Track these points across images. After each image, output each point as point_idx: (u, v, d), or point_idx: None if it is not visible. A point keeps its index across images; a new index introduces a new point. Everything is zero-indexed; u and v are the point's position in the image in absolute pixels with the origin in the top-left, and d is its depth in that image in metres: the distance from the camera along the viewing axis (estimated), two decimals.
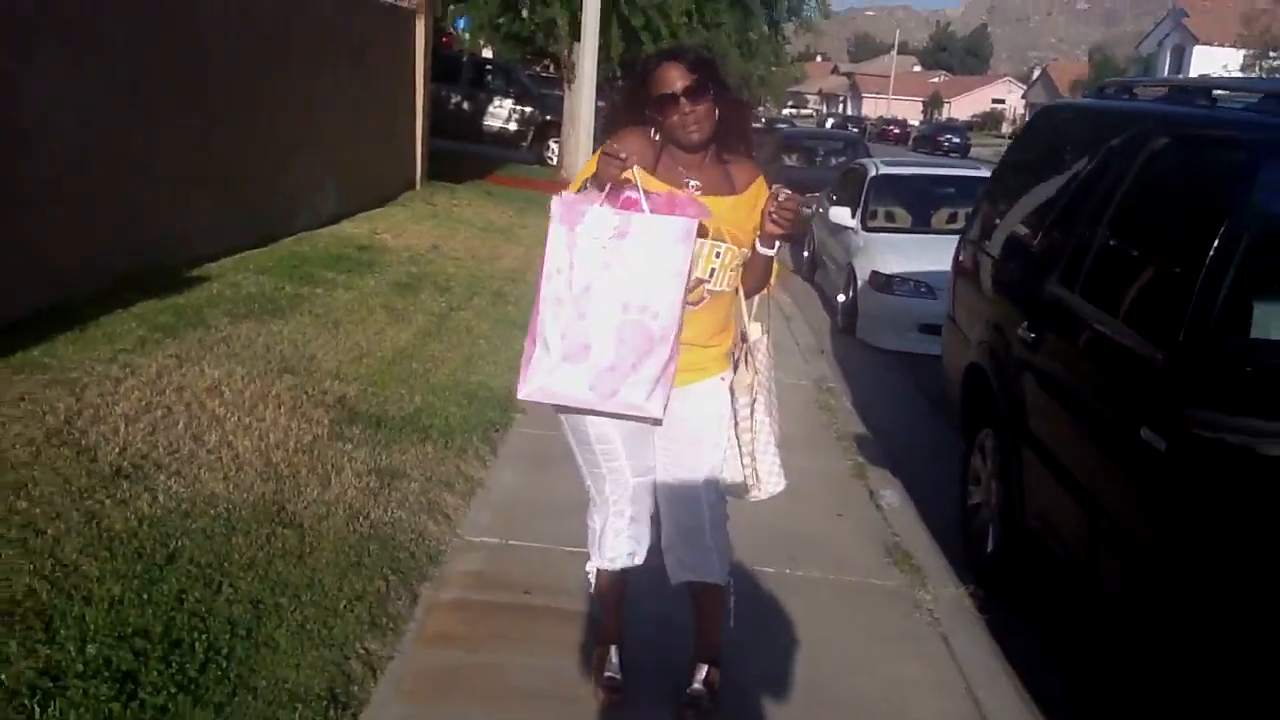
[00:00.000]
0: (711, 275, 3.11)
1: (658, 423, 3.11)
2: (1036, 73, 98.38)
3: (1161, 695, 3.23)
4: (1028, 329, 4.58)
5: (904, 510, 5.55)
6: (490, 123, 24.48)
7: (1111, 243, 4.29)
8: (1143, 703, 3.38)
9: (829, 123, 70.56)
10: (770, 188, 3.14)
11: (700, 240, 3.00)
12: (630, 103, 3.26)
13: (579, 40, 16.78)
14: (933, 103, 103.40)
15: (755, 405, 3.29)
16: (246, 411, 5.39)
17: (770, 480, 3.36)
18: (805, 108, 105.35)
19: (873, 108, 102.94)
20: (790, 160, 19.74)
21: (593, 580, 3.58)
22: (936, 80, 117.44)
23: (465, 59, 24.48)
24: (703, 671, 3.51)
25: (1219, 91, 4.34)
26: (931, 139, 56.28)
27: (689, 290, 3.01)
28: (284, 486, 4.65)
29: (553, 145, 23.22)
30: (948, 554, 5.10)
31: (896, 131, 66.17)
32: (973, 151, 48.57)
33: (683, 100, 3.03)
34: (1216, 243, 3.37)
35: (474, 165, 19.08)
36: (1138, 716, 3.47)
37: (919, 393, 8.30)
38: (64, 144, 6.91)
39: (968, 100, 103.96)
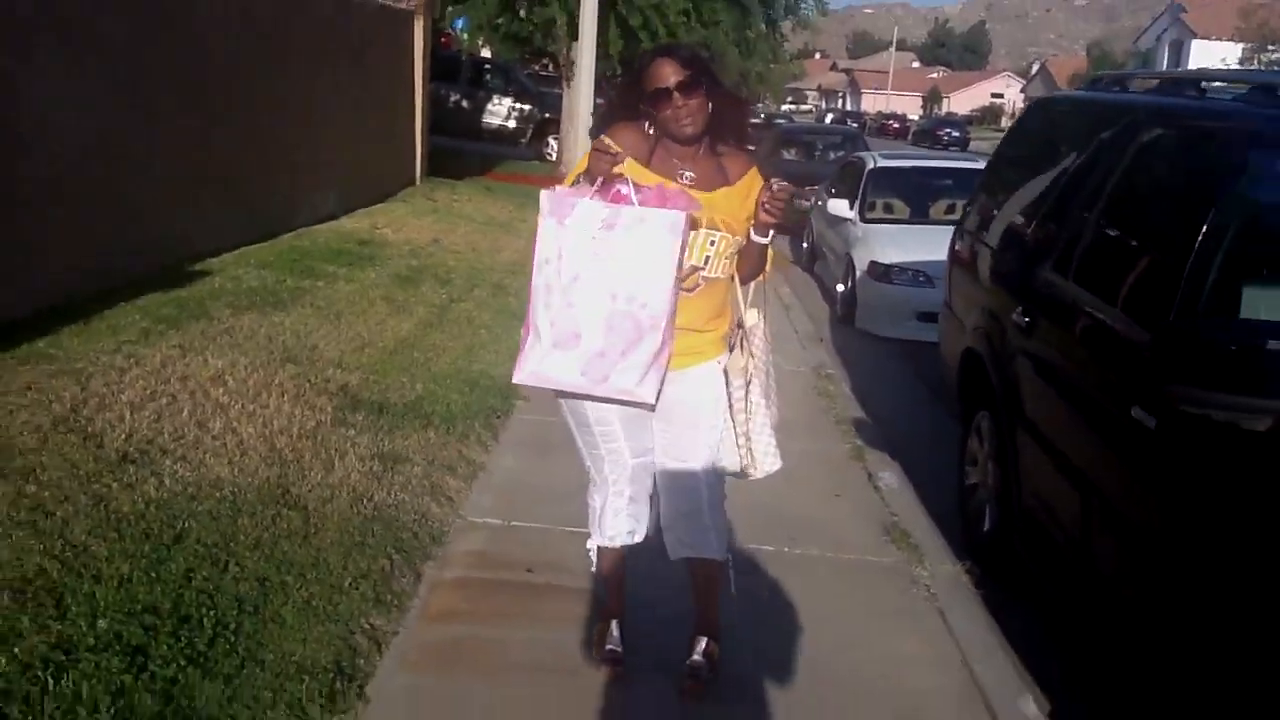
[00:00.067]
0: (706, 262, 3.19)
1: (651, 408, 3.19)
2: (1035, 68, 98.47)
3: (1156, 671, 3.28)
4: (1022, 314, 4.64)
5: (902, 491, 5.62)
6: (489, 120, 24.61)
7: (1104, 230, 4.35)
8: (1137, 678, 3.44)
9: (828, 118, 70.64)
10: (764, 179, 3.21)
11: (695, 229, 3.08)
12: (625, 97, 3.34)
13: (577, 40, 16.84)
14: (932, 98, 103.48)
15: (750, 388, 3.35)
16: (250, 399, 5.46)
17: (766, 460, 3.43)
18: (804, 104, 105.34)
19: (872, 103, 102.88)
20: (789, 154, 19.85)
21: (594, 558, 3.65)
22: (935, 76, 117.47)
23: (464, 58, 24.56)
24: (702, 644, 3.57)
25: (1209, 83, 4.40)
26: (931, 133, 56.32)
27: (684, 277, 3.09)
28: (288, 470, 4.72)
29: (552, 142, 23.31)
30: (945, 533, 5.16)
31: (896, 126, 66.18)
32: (972, 145, 48.57)
33: (676, 95, 3.10)
34: (1205, 228, 3.42)
35: (473, 162, 19.16)
36: (1132, 690, 3.53)
37: (917, 379, 8.37)
38: (64, 144, 6.97)
39: (967, 95, 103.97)
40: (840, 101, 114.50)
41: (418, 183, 15.40)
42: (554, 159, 22.22)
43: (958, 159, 16.51)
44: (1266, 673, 2.70)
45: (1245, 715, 2.80)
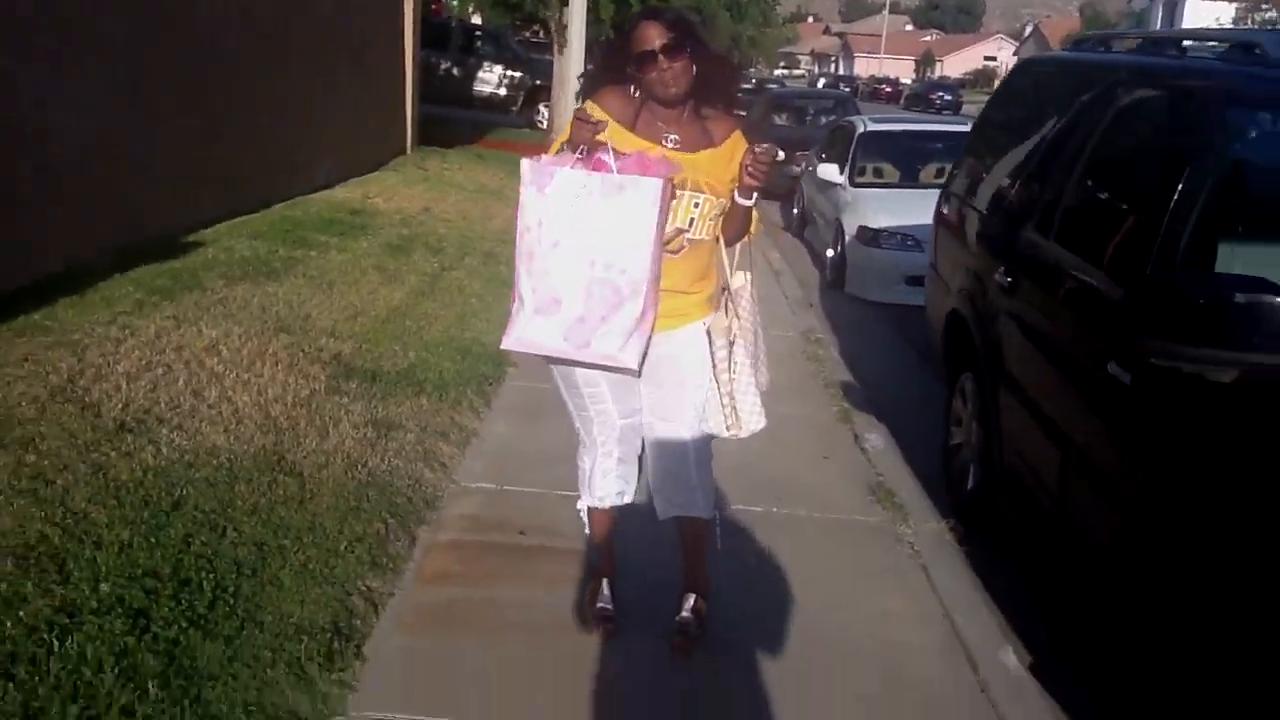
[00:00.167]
0: (691, 225, 3.25)
1: (635, 374, 3.27)
2: (1029, 30, 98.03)
3: (1135, 623, 3.37)
4: (1004, 274, 4.72)
5: (888, 453, 5.71)
6: (480, 88, 24.56)
7: (1085, 189, 4.42)
8: (1117, 632, 3.53)
9: (821, 82, 70.34)
10: (748, 141, 3.27)
11: (680, 191, 3.15)
12: (611, 60, 3.40)
13: (568, 5, 16.79)
14: (925, 61, 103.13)
15: (734, 348, 3.42)
16: (245, 368, 5.53)
17: (751, 420, 3.49)
18: (797, 68, 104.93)
19: (865, 67, 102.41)
20: (780, 119, 19.83)
21: (584, 519, 3.73)
22: (929, 39, 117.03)
23: (455, 25, 24.48)
24: (690, 600, 3.67)
25: (1189, 42, 4.45)
26: (924, 97, 56.18)
27: (669, 239, 3.16)
28: (283, 438, 4.79)
29: (543, 109, 23.29)
30: (930, 493, 5.26)
31: (889, 90, 66.00)
32: (965, 109, 48.44)
33: (660, 57, 3.15)
34: (1180, 185, 3.49)
35: (464, 130, 19.14)
36: (1112, 643, 3.62)
37: (905, 343, 8.44)
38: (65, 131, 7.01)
39: (960, 58, 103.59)
40: (833, 66, 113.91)
41: (409, 151, 15.40)
42: (545, 126, 22.20)
43: (947, 122, 16.52)
44: (1243, 623, 2.79)
45: (1224, 667, 2.89)
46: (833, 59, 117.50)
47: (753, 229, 3.46)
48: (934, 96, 55.29)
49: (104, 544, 3.65)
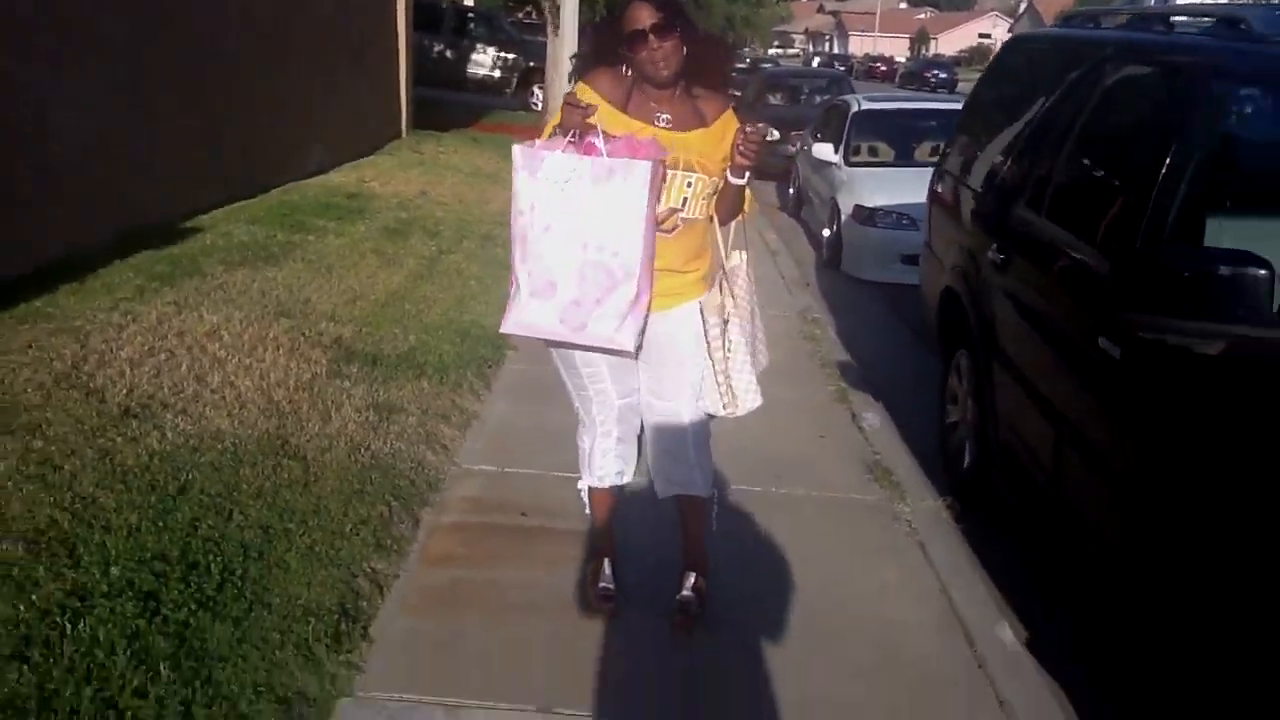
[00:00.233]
0: (684, 204, 3.29)
1: (632, 355, 3.32)
2: (1023, 6, 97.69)
3: (1129, 597, 3.43)
4: (996, 251, 4.76)
5: (885, 431, 5.76)
6: (474, 70, 24.53)
7: (1074, 166, 4.46)
8: (1112, 607, 3.59)
9: (815, 61, 70.20)
10: (740, 121, 3.31)
11: (672, 171, 3.19)
12: (603, 40, 3.43)
13: None
14: (919, 39, 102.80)
15: (729, 326, 3.45)
16: (246, 353, 5.57)
17: (747, 398, 3.53)
18: (791, 47, 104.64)
19: (859, 46, 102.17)
20: (775, 99, 19.83)
21: (585, 499, 3.79)
22: (923, 16, 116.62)
23: (447, 7, 24.43)
24: (691, 579, 3.73)
25: (1177, 18, 4.48)
26: (919, 75, 56.11)
27: (663, 219, 3.21)
28: (286, 422, 4.84)
29: (537, 91, 23.21)
30: (927, 471, 5.32)
31: (883, 69, 65.90)
32: (960, 87, 48.39)
33: (651, 37, 3.18)
34: (1168, 161, 3.53)
35: (459, 113, 19.14)
36: (1107, 618, 3.68)
37: (901, 322, 8.49)
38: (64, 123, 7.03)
39: (955, 35, 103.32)
40: (827, 44, 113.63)
41: (404, 135, 15.41)
42: (539, 108, 22.16)
43: (941, 100, 16.55)
44: (1235, 596, 2.84)
45: (1213, 639, 2.94)
46: (827, 37, 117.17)
47: (746, 208, 3.50)
48: (929, 75, 55.22)
49: (113, 528, 3.71)
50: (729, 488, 4.63)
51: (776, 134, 14.50)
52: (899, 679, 3.51)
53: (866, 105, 12.27)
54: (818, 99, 18.92)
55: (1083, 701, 3.58)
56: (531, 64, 23.68)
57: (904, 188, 9.68)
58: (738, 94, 19.51)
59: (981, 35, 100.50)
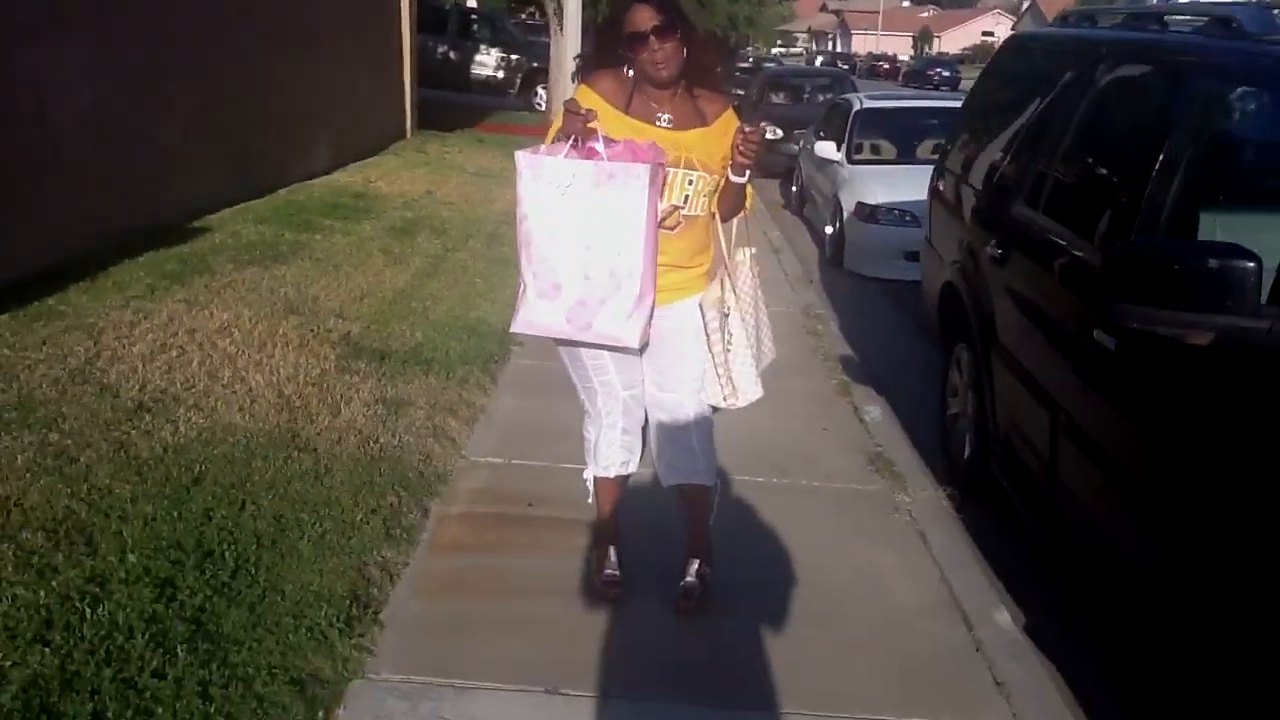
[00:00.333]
0: (686, 201, 3.37)
1: (637, 353, 3.40)
2: (1026, 4, 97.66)
3: (1127, 587, 3.50)
4: (995, 247, 4.84)
5: (886, 424, 5.84)
6: (478, 71, 24.65)
7: (1071, 162, 4.54)
8: (1110, 596, 3.66)
9: (818, 60, 70.23)
10: (740, 120, 3.39)
11: (674, 169, 3.27)
12: (604, 43, 3.51)
13: None
14: (922, 38, 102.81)
15: (729, 320, 3.51)
16: (256, 349, 5.67)
17: (747, 390, 3.57)
18: (794, 46, 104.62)
19: (862, 44, 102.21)
20: (777, 98, 19.88)
21: (590, 488, 3.87)
22: (926, 15, 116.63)
23: (451, 8, 24.54)
24: (694, 565, 3.81)
25: (1170, 17, 4.56)
26: (922, 74, 56.25)
27: (665, 216, 3.29)
28: (297, 415, 4.93)
29: (540, 92, 23.35)
30: (927, 462, 5.39)
31: (886, 67, 66.00)
32: (963, 85, 48.42)
33: (652, 38, 3.26)
34: (1162, 157, 3.61)
35: (463, 114, 19.23)
36: (1105, 605, 3.76)
37: (903, 318, 8.55)
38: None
39: (959, 33, 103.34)
40: (830, 43, 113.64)
41: (408, 135, 15.51)
42: (543, 109, 22.26)
43: (943, 98, 16.60)
44: (1232, 581, 2.91)
45: (1208, 622, 3.01)
46: (830, 36, 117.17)
47: (748, 205, 3.57)
48: (932, 73, 55.39)
49: (129, 518, 3.80)
50: (733, 479, 4.71)
51: (779, 132, 14.59)
52: (898, 661, 3.58)
53: (869, 104, 12.34)
54: (820, 98, 18.96)
55: (1079, 684, 3.65)
56: (535, 65, 23.80)
57: (906, 185, 9.73)
58: (740, 93, 19.60)
59: (985, 33, 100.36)
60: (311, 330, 6.13)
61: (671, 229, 3.35)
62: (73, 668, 2.98)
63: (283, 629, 3.34)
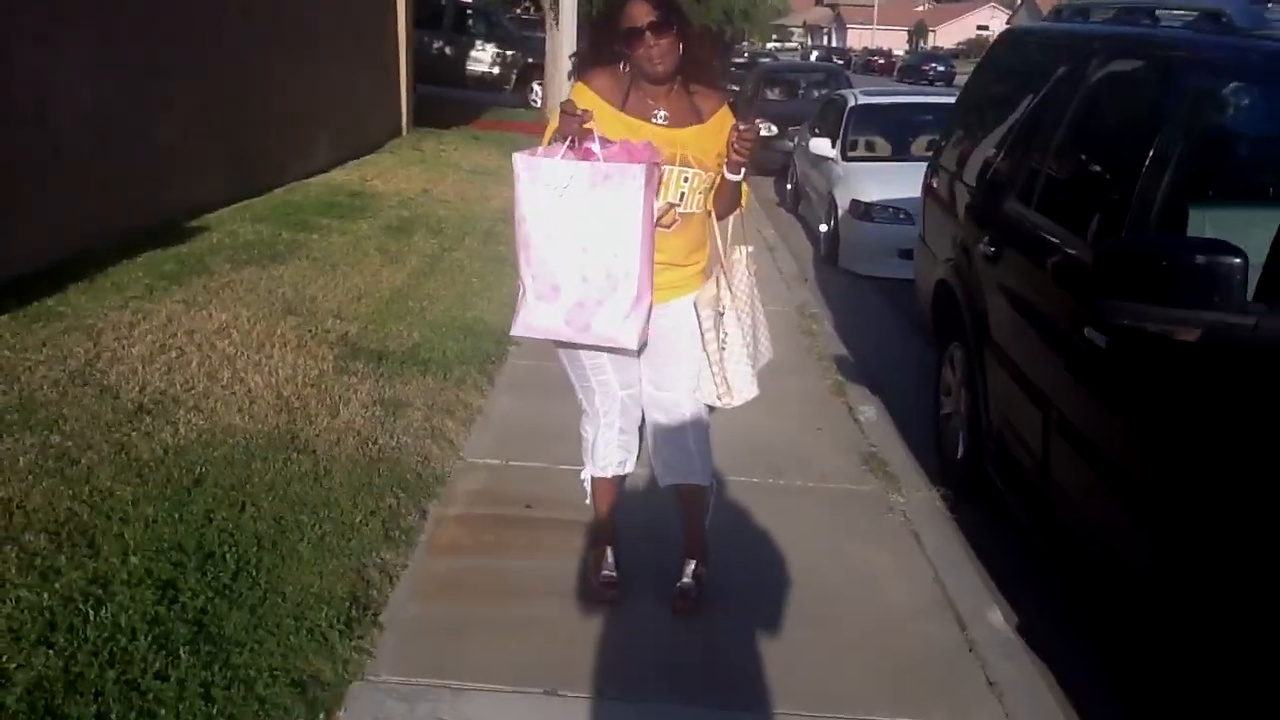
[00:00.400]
0: (682, 198, 3.40)
1: (635, 354, 3.44)
2: None
3: (1119, 585, 3.54)
4: (988, 244, 4.87)
5: (880, 423, 5.88)
6: (473, 67, 24.63)
7: (1062, 158, 4.58)
8: (1102, 590, 3.70)
9: (813, 55, 70.25)
10: (736, 118, 3.42)
11: (669, 167, 3.30)
12: (600, 39, 3.54)
13: None
14: (918, 32, 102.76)
15: (724, 318, 3.52)
16: (255, 350, 5.70)
17: (742, 389, 3.57)
18: (789, 41, 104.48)
19: (857, 39, 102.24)
20: (772, 94, 19.88)
21: (588, 488, 3.90)
22: (921, 9, 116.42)
23: (447, 4, 24.52)
24: (691, 565, 3.85)
25: (1161, 11, 4.59)
26: (917, 69, 56.22)
27: (661, 214, 3.32)
28: (296, 417, 4.97)
29: (536, 88, 23.36)
30: (921, 462, 5.43)
31: (881, 62, 66.01)
32: (958, 80, 48.42)
33: (648, 34, 3.29)
34: (1152, 153, 3.65)
35: (459, 110, 19.24)
36: (1097, 603, 3.79)
37: (898, 316, 8.59)
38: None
39: (954, 27, 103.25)
40: (826, 38, 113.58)
41: (404, 133, 15.53)
42: (539, 105, 22.26)
43: (938, 94, 16.60)
44: (1219, 575, 2.95)
45: (1200, 618, 3.05)
46: (825, 31, 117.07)
47: (743, 202, 3.59)
48: (927, 68, 55.36)
49: (130, 519, 3.83)
50: (728, 479, 4.75)
51: (774, 129, 14.60)
52: (891, 661, 3.62)
53: (864, 100, 12.35)
54: (815, 93, 18.96)
55: (1073, 682, 3.70)
56: (530, 60, 23.81)
57: (900, 182, 9.75)
58: (735, 89, 19.60)
59: (980, 27, 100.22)
60: (309, 331, 6.17)
61: (667, 227, 3.38)
62: (76, 669, 3.01)
63: (284, 631, 3.38)
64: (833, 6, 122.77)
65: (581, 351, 3.54)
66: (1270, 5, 4.27)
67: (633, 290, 3.21)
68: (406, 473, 4.64)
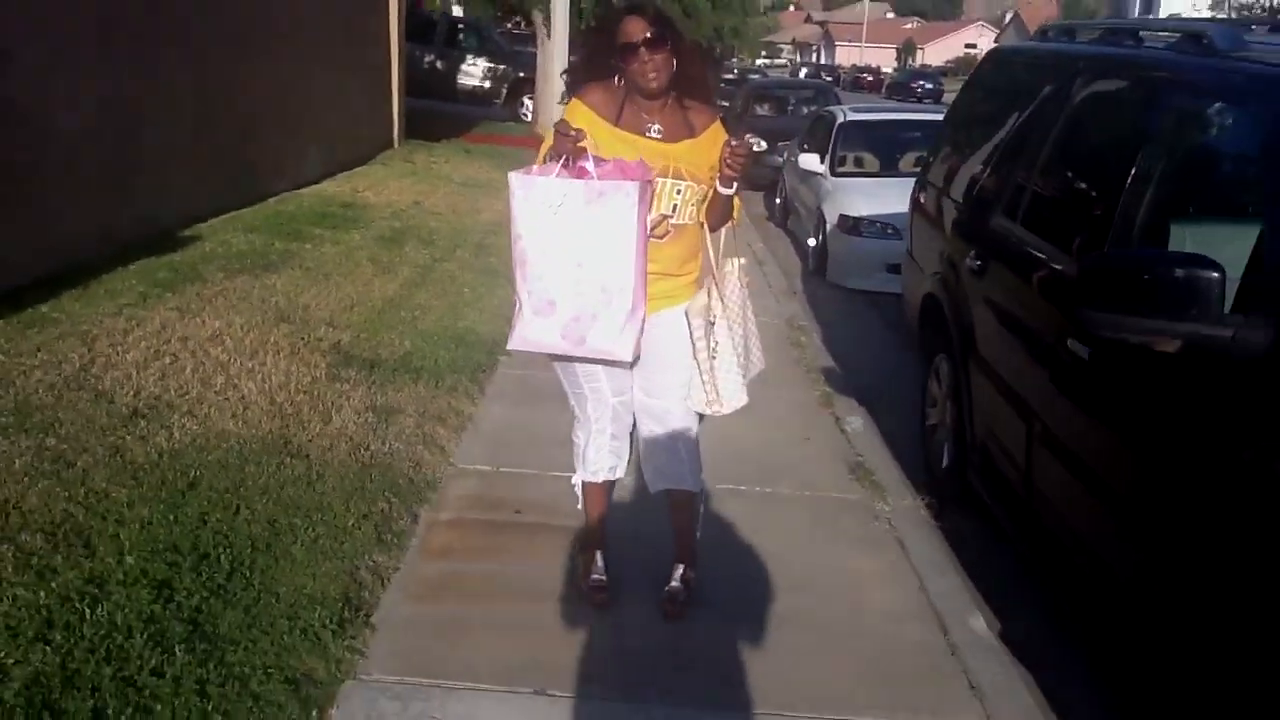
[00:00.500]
0: (674, 210, 3.47)
1: (629, 366, 3.50)
2: (1009, 17, 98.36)
3: (1102, 592, 3.61)
4: (975, 258, 4.95)
5: (867, 434, 5.94)
6: (464, 81, 24.71)
7: (1048, 175, 4.66)
8: (1084, 598, 3.77)
9: (802, 72, 70.57)
10: (728, 131, 3.49)
11: (661, 179, 3.37)
12: (595, 54, 3.61)
13: None
14: (906, 50, 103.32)
15: (715, 327, 3.58)
16: (248, 357, 5.75)
17: (731, 397, 3.63)
18: (779, 58, 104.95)
19: (846, 56, 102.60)
20: (762, 109, 20.00)
21: (578, 493, 3.95)
22: (910, 27, 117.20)
23: (438, 18, 24.62)
24: (679, 570, 3.90)
25: (1145, 32, 4.68)
26: (905, 86, 56.48)
27: (654, 225, 3.39)
28: (289, 423, 5.02)
29: (527, 102, 23.47)
30: (907, 472, 5.50)
31: (870, 79, 66.35)
32: (946, 97, 48.64)
33: (643, 49, 3.36)
34: (1134, 171, 3.74)
35: (450, 124, 19.30)
36: (1080, 610, 3.86)
37: (885, 329, 8.67)
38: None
39: (941, 45, 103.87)
40: (815, 55, 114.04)
41: (396, 145, 15.59)
42: (529, 119, 22.36)
43: (926, 111, 16.72)
44: (1204, 584, 3.01)
45: (1185, 627, 3.11)
46: (814, 48, 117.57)
47: (735, 215, 3.67)
48: (915, 85, 55.61)
49: (126, 521, 3.88)
50: (717, 487, 4.80)
51: (764, 144, 14.70)
52: (876, 665, 3.68)
53: (852, 116, 12.46)
54: (805, 110, 19.09)
55: (1057, 689, 3.75)
56: (521, 75, 23.91)
57: (888, 198, 9.84)
58: (726, 104, 19.71)
59: (968, 45, 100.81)
60: (302, 338, 6.22)
61: (660, 237, 3.45)
62: (73, 666, 3.06)
63: (277, 630, 3.42)
64: (822, 24, 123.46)
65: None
66: (1252, 28, 4.37)
67: (627, 304, 3.28)
68: (398, 478, 4.69)
